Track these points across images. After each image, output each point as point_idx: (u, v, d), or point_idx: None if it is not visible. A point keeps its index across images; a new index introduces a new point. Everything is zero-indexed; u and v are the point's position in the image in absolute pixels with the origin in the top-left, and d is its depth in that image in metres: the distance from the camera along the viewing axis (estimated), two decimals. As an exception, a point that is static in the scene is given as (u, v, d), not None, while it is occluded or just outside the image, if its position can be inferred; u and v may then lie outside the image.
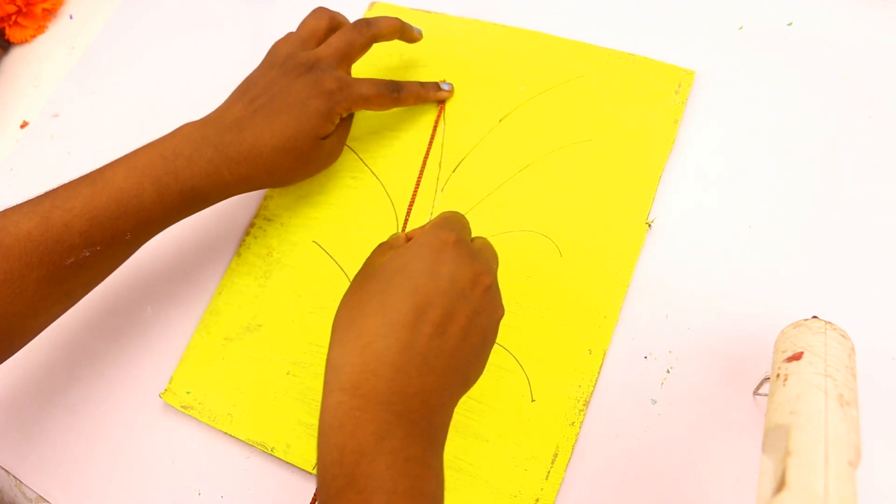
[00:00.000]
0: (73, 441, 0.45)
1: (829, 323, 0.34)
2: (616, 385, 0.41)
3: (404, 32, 0.47)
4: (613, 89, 0.48)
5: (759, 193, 0.44)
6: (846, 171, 0.44)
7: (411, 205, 0.47)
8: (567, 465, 0.39)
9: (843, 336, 0.33)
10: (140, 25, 0.61)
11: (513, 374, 0.41)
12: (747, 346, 0.40)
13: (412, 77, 0.52)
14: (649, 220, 0.44)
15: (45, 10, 0.62)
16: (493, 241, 0.44)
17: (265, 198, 0.50)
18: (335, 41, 0.44)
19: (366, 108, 0.45)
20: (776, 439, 0.30)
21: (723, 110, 0.47)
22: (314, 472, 0.40)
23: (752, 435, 0.38)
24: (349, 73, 0.45)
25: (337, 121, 0.43)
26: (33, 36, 0.62)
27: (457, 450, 0.40)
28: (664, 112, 0.46)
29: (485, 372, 0.41)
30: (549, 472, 0.38)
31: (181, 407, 0.44)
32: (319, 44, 0.45)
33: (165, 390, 0.45)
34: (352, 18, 0.55)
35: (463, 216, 0.38)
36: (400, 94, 0.46)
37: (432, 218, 0.45)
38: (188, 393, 0.44)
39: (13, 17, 0.61)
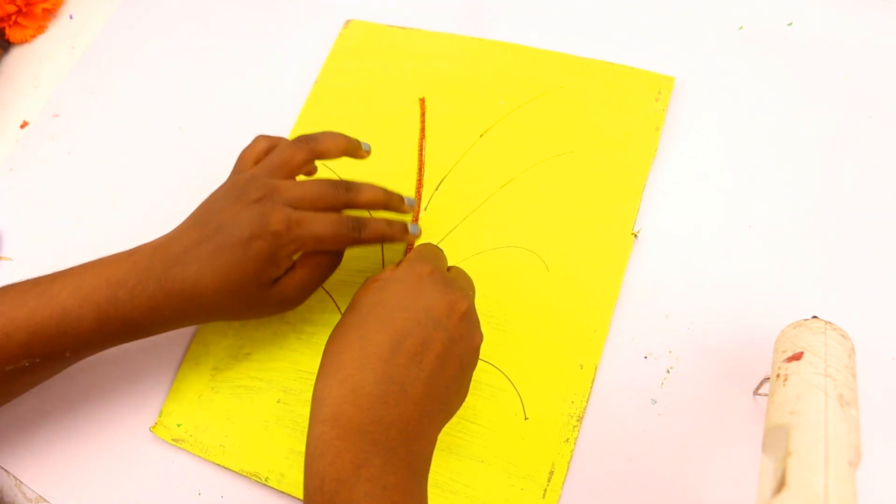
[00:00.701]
0: (73, 441, 0.45)
1: (829, 323, 0.33)
2: (616, 385, 0.41)
3: (350, 151, 0.42)
4: (593, 99, 0.48)
5: (759, 193, 0.44)
6: (846, 171, 0.44)
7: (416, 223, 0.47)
8: (563, 481, 0.38)
9: (843, 336, 0.33)
10: (140, 25, 0.61)
11: (505, 393, 0.41)
12: (747, 346, 0.40)
13: (388, 103, 0.51)
14: (635, 230, 0.44)
15: (45, 10, 0.62)
16: (478, 258, 0.44)
17: None
18: (273, 157, 0.40)
19: (320, 248, 0.39)
20: (776, 439, 0.30)
21: (724, 110, 0.47)
22: None
23: (752, 435, 0.37)
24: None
25: (286, 264, 0.38)
26: (33, 36, 0.62)
27: (452, 472, 0.40)
28: (645, 120, 0.46)
29: (477, 392, 0.41)
30: (545, 490, 0.38)
31: (172, 440, 0.43)
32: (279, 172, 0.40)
33: (156, 424, 0.44)
34: (328, 38, 0.55)
35: (438, 248, 0.39)
36: (362, 234, 0.39)
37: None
38: (179, 426, 0.44)
39: (13, 17, 0.61)
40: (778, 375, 0.33)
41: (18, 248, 0.53)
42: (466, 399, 0.40)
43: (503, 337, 0.42)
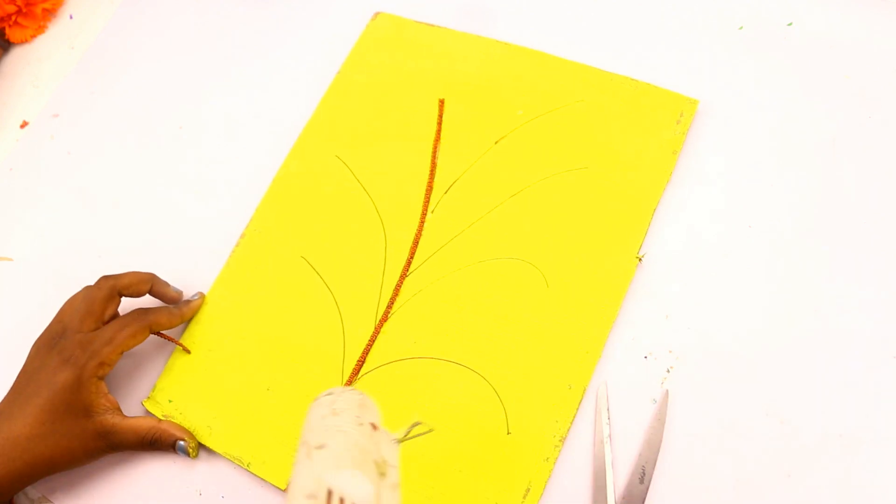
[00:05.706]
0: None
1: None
2: (616, 385, 0.41)
3: (155, 285, 0.45)
4: (613, 116, 0.47)
5: (759, 193, 0.44)
6: (846, 171, 0.44)
7: (417, 237, 0.46)
8: (539, 500, 0.38)
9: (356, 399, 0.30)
10: (140, 25, 0.61)
11: (490, 406, 0.41)
12: (747, 345, 0.40)
13: (408, 100, 0.51)
14: (640, 254, 0.43)
15: (45, 10, 0.62)
16: (479, 267, 0.44)
17: (257, 209, 0.49)
18: (77, 303, 0.43)
19: (126, 350, 0.42)
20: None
21: (723, 110, 0.47)
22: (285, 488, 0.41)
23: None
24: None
25: (94, 386, 0.40)
26: (33, 36, 0.62)
27: (428, 477, 0.40)
28: (664, 143, 0.45)
29: (462, 401, 0.41)
30: None
31: (162, 416, 0.44)
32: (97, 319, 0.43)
33: (148, 398, 0.44)
34: (352, 32, 0.54)
35: None
36: (149, 317, 0.43)
37: (419, 238, 0.46)
38: (170, 402, 0.44)
39: (13, 17, 0.61)
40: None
41: (18, 248, 0.53)
42: (450, 407, 0.41)
43: (494, 349, 0.42)
